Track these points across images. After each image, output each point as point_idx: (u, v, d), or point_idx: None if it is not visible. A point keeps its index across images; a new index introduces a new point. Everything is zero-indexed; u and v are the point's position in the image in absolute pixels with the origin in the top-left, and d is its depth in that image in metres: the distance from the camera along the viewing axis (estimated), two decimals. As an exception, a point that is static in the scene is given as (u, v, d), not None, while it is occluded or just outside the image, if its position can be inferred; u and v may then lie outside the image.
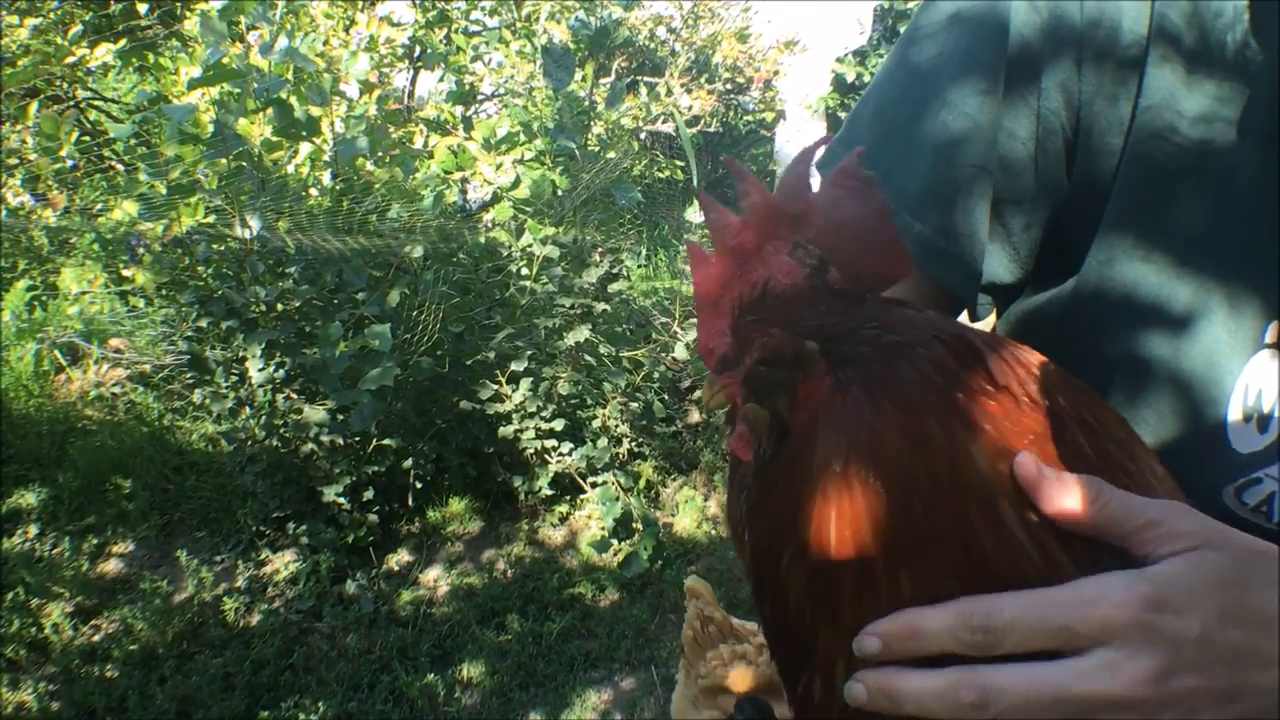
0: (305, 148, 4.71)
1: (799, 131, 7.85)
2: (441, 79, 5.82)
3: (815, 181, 0.81)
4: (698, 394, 4.96)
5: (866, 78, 8.75)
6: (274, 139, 4.45)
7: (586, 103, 5.45)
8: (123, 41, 4.98)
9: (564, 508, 4.72)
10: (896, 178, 0.98)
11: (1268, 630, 0.71)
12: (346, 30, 5.38)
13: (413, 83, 6.15)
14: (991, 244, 1.00)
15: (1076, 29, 0.95)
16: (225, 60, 4.23)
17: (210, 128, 4.25)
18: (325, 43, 4.93)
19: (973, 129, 0.96)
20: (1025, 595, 0.69)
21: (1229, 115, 0.91)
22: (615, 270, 5.01)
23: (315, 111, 4.52)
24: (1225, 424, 0.93)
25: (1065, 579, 0.70)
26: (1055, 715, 0.68)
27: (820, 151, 0.95)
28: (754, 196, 0.80)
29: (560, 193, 4.91)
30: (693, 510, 4.75)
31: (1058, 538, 0.71)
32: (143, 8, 5.00)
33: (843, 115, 8.80)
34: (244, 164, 4.27)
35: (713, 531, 4.63)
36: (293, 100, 4.49)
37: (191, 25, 4.82)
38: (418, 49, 5.82)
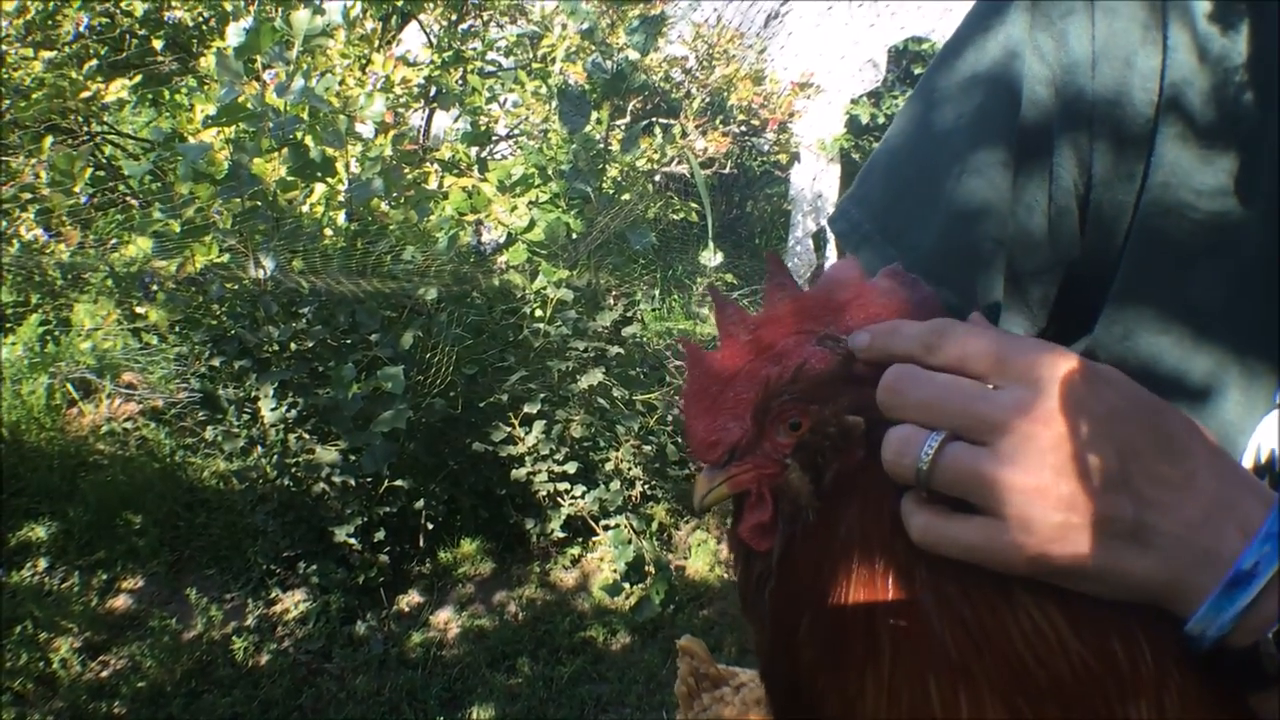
0: (320, 187, 4.79)
1: (814, 174, 7.90)
2: (457, 119, 5.89)
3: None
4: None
5: (881, 120, 8.84)
6: (289, 179, 4.53)
7: (602, 145, 5.51)
8: (138, 77, 5.08)
9: (576, 550, 4.75)
10: (910, 238, 1.01)
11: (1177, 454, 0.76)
12: (362, 70, 5.47)
13: (428, 122, 6.24)
14: (1009, 307, 1.02)
15: (1088, 97, 0.95)
16: (241, 99, 4.32)
17: (225, 166, 4.33)
18: (341, 82, 5.01)
19: (989, 199, 0.98)
20: (984, 330, 0.78)
21: (1242, 185, 0.93)
22: (629, 313, 5.04)
23: (330, 152, 4.60)
24: None
25: (1055, 654, 0.74)
26: (964, 419, 0.74)
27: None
28: (787, 290, 0.83)
29: (575, 236, 4.97)
30: (705, 553, 4.77)
31: (1063, 615, 0.75)
32: (158, 44, 5.10)
33: (856, 157, 8.89)
34: (258, 203, 4.35)
35: (725, 575, 4.65)
36: (308, 140, 4.57)
37: (207, 63, 4.91)
38: (433, 89, 5.90)
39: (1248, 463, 0.94)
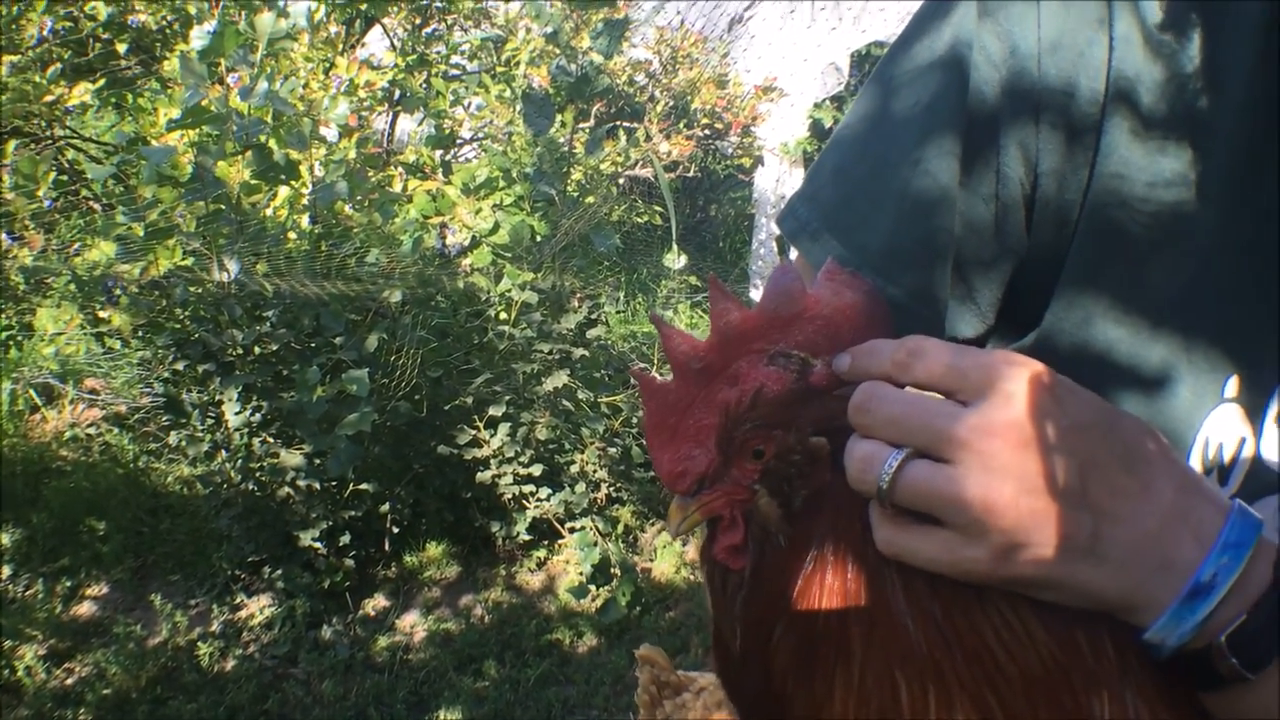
0: (283, 190, 4.78)
1: (778, 177, 7.95)
2: (421, 123, 5.90)
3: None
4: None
5: (844, 124, 8.95)
6: (253, 182, 4.52)
7: (566, 148, 5.53)
8: (101, 81, 5.05)
9: (542, 553, 4.77)
10: (860, 235, 1.01)
11: (1132, 463, 0.78)
12: (326, 73, 5.46)
13: (392, 125, 6.24)
14: (955, 303, 1.03)
15: (1035, 91, 0.97)
16: (204, 103, 4.31)
17: (189, 170, 4.32)
18: (305, 85, 5.00)
19: (938, 190, 0.99)
20: (946, 346, 0.80)
21: (1194, 178, 0.95)
22: (594, 316, 5.08)
23: (294, 155, 4.60)
24: None
25: (1024, 647, 0.77)
26: (926, 436, 0.77)
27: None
28: (733, 314, 0.85)
29: (539, 238, 4.99)
30: (671, 555, 4.81)
31: (1033, 611, 0.78)
32: (122, 48, 5.08)
33: (824, 147, 9.00)
34: (222, 207, 4.34)
35: (691, 576, 4.69)
36: (272, 144, 4.56)
37: (171, 66, 4.89)
38: (397, 92, 5.90)
39: (1196, 455, 0.96)
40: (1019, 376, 0.77)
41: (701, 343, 0.85)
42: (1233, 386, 0.95)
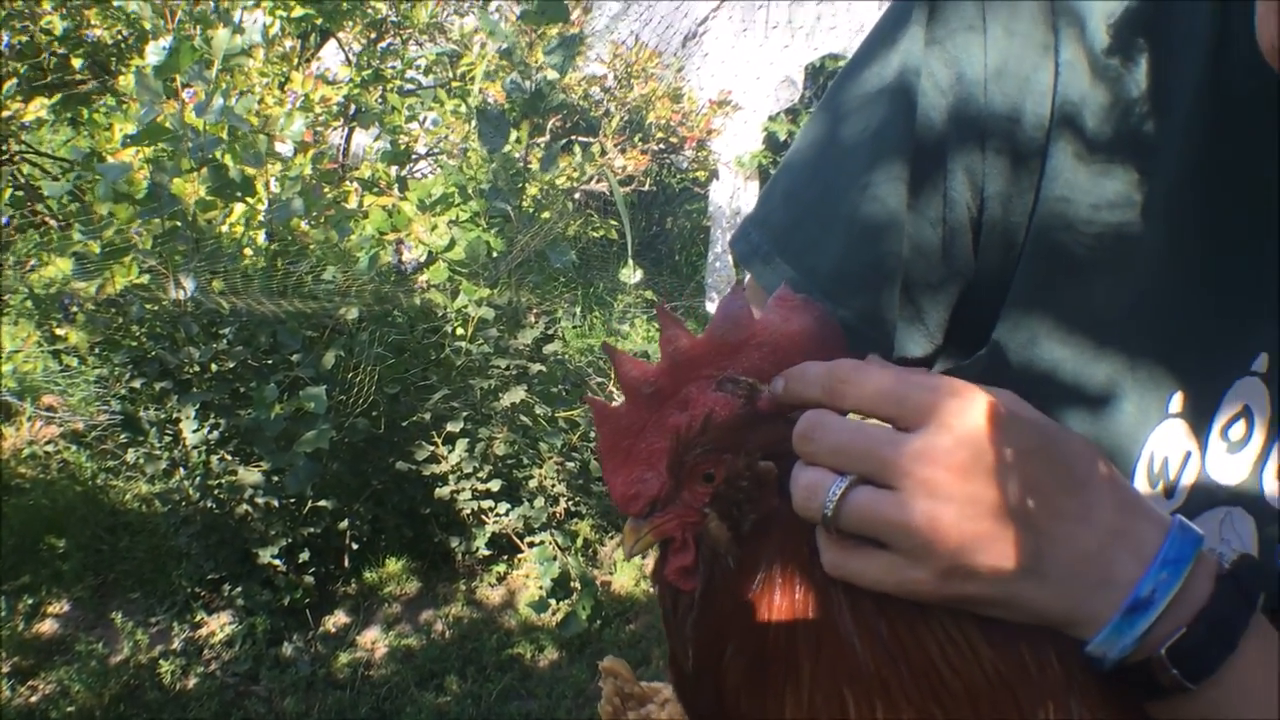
0: (239, 207, 4.82)
1: (733, 191, 8.04)
2: (377, 138, 5.94)
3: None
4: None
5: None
6: (208, 198, 4.56)
7: (521, 164, 5.59)
8: (57, 96, 5.08)
9: (501, 567, 4.83)
10: (810, 259, 1.04)
11: (1069, 486, 0.80)
12: (281, 88, 5.49)
13: (347, 140, 6.27)
14: (904, 323, 1.05)
15: (981, 116, 0.99)
16: (160, 119, 4.34)
17: (144, 187, 4.35)
18: (260, 101, 5.04)
19: (886, 214, 1.00)
20: (885, 373, 0.82)
21: (1138, 200, 0.96)
22: (550, 331, 5.14)
23: (250, 172, 4.64)
24: None
25: (968, 661, 0.80)
26: (869, 464, 0.79)
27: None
28: (682, 341, 0.86)
29: (495, 254, 5.05)
30: (630, 568, 4.87)
31: (978, 627, 0.81)
32: (78, 63, 5.11)
33: (774, 172, 9.10)
34: (178, 224, 4.37)
35: (650, 589, 4.74)
36: (227, 160, 4.60)
37: (126, 81, 4.91)
38: (353, 107, 5.94)
39: (1141, 470, 0.98)
40: (959, 405, 0.79)
41: (652, 368, 0.87)
42: (1177, 402, 0.97)
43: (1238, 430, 0.97)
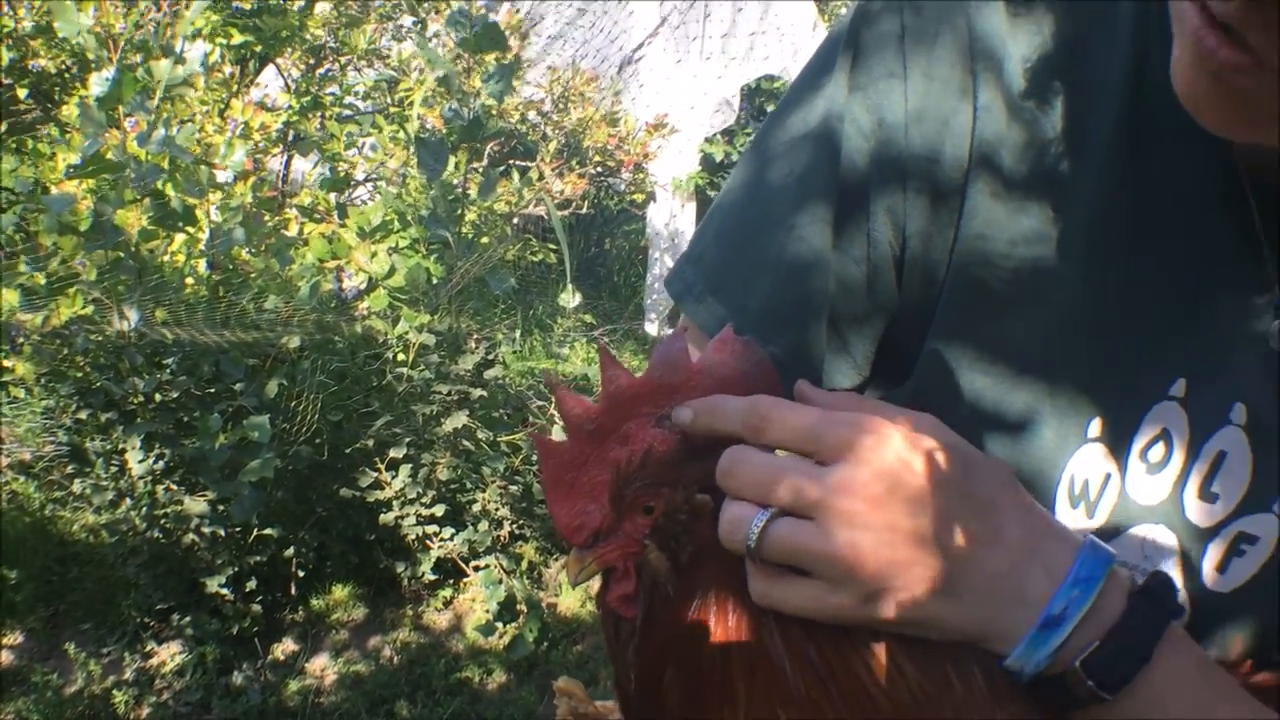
0: (179, 236, 4.86)
1: (671, 212, 8.15)
2: (316, 165, 5.98)
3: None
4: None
5: (734, 156, 9.16)
6: (150, 229, 4.61)
7: (460, 190, 5.65)
8: (2, 126, 5.09)
9: (448, 592, 4.91)
10: (741, 298, 1.09)
11: (985, 511, 0.86)
12: (221, 115, 5.55)
13: (286, 166, 6.32)
14: (831, 356, 1.10)
15: (902, 159, 1.03)
16: (103, 150, 4.40)
17: (88, 218, 4.40)
18: (200, 129, 5.10)
19: (812, 254, 1.05)
20: (803, 410, 0.88)
21: (1054, 235, 1.00)
22: (491, 356, 5.20)
23: (191, 202, 4.69)
24: (1053, 514, 1.01)
25: (895, 680, 0.85)
26: (789, 497, 0.84)
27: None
28: (622, 380, 0.91)
29: (435, 281, 5.12)
30: (576, 590, 4.97)
31: (902, 647, 0.86)
32: (22, 92, 5.12)
33: (712, 194, 9.17)
34: (121, 255, 4.42)
35: (597, 610, 4.77)
36: (169, 190, 4.66)
37: (70, 111, 4.95)
38: (291, 133, 5.99)
39: (1063, 492, 1.02)
40: (874, 440, 0.84)
41: (594, 406, 0.91)
42: (1096, 427, 1.01)
43: (1157, 452, 1.01)
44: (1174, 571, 1.00)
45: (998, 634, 0.85)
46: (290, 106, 5.93)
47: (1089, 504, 1.02)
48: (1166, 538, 1.00)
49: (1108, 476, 1.02)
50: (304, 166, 6.48)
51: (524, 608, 4.50)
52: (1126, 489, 1.01)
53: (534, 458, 5.11)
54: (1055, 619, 0.83)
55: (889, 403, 1.06)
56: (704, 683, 0.87)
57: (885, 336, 1.11)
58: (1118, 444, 1.01)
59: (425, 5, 6.60)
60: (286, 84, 6.27)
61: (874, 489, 0.83)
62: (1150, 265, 0.99)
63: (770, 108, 9.69)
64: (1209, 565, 0.99)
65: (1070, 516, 1.02)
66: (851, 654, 0.86)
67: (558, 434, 5.05)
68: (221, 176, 5.05)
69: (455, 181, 5.56)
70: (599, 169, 7.18)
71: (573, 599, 4.95)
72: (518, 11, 6.92)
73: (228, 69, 5.86)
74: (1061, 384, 1.02)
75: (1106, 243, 0.99)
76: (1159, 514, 1.00)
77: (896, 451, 0.85)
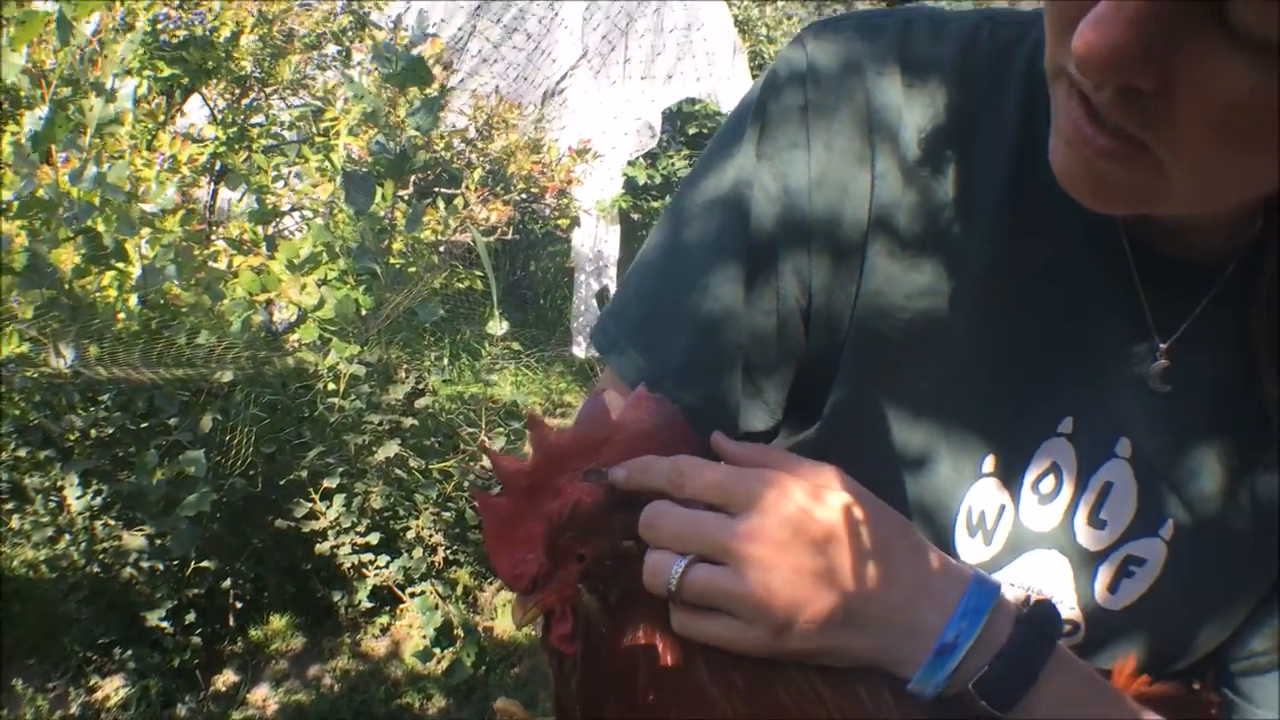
0: (109, 272, 4.92)
1: (595, 235, 8.28)
2: (243, 197, 6.04)
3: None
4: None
5: (658, 179, 9.35)
6: (83, 265, 4.69)
7: (387, 221, 5.76)
8: (-64, 163, 5.13)
9: (385, 619, 5.01)
10: (661, 352, 1.14)
11: (886, 557, 0.96)
12: (149, 148, 5.61)
13: (213, 197, 6.40)
14: (747, 401, 1.16)
15: (806, 221, 1.10)
16: (37, 190, 4.48)
17: (23, 257, 4.48)
18: (130, 164, 5.15)
19: (724, 311, 1.12)
20: (716, 467, 0.99)
21: (946, 289, 1.08)
22: (421, 386, 5.31)
23: (123, 239, 4.77)
24: (953, 543, 1.12)
25: (813, 703, 0.95)
26: (703, 545, 0.95)
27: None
28: (550, 439, 1.00)
29: (365, 312, 5.22)
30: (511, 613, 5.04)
31: (819, 674, 0.95)
32: (-42, 129, 5.17)
33: (636, 216, 9.37)
34: (56, 293, 4.50)
35: (533, 633, 4.88)
36: (100, 227, 4.73)
37: (3, 150, 4.98)
38: (218, 164, 6.07)
39: (961, 523, 1.12)
40: (777, 493, 0.95)
41: (527, 464, 0.99)
42: (990, 463, 1.10)
43: (1047, 484, 1.09)
44: (1068, 592, 1.10)
45: (899, 661, 0.94)
46: (216, 138, 6.00)
47: (986, 532, 1.11)
48: (1059, 562, 1.10)
49: (1002, 507, 1.11)
50: (231, 196, 6.53)
51: (460, 632, 4.59)
52: (1020, 518, 1.10)
53: (465, 484, 5.23)
54: (948, 647, 0.92)
55: (801, 447, 1.18)
56: (639, 712, 0.96)
57: (796, 382, 1.18)
58: (1010, 477, 1.10)
59: (349, 34, 6.71)
60: (212, 114, 6.33)
61: (779, 535, 0.93)
62: (1037, 316, 1.07)
63: (691, 129, 9.96)
64: (1100, 586, 1.09)
65: (969, 544, 1.12)
66: (773, 680, 0.95)
67: (487, 460, 5.20)
68: (149, 207, 5.11)
69: (382, 213, 5.69)
70: (523, 195, 7.28)
71: (508, 622, 5.02)
72: (439, 36, 7.01)
73: (154, 99, 5.92)
74: (956, 425, 1.11)
75: (996, 296, 1.08)
76: (1051, 540, 1.10)
77: (797, 502, 0.95)
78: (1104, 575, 1.09)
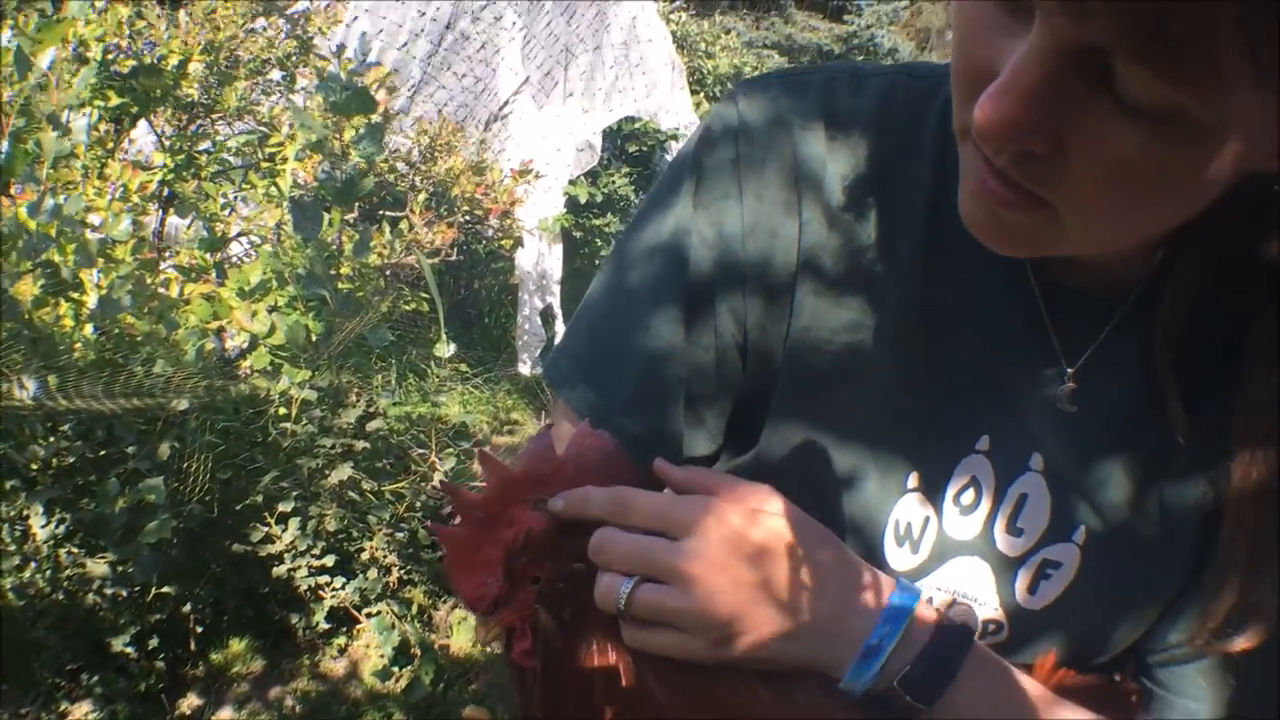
0: (64, 302, 5.02)
1: (539, 254, 8.42)
2: (190, 224, 6.17)
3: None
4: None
5: (599, 197, 9.53)
6: (41, 297, 4.80)
7: (335, 246, 5.87)
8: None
9: (342, 640, 5.10)
10: (609, 387, 1.21)
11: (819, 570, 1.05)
12: (100, 176, 5.70)
13: (161, 223, 6.47)
14: (690, 430, 1.22)
15: (740, 263, 1.17)
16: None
17: (-16, 292, 4.60)
18: (84, 195, 5.24)
19: (667, 348, 1.18)
20: (655, 496, 1.07)
21: (870, 324, 1.16)
22: (371, 409, 5.42)
23: (80, 271, 4.88)
24: (883, 553, 1.18)
25: (751, 704, 1.03)
26: (648, 567, 1.03)
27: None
28: (503, 472, 1.07)
29: (315, 337, 5.32)
30: (466, 630, 5.21)
31: (758, 678, 1.03)
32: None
33: (577, 235, 9.54)
34: (17, 325, 4.61)
35: (488, 649, 5.02)
36: (56, 258, 4.85)
37: (-38, 184, 5.06)
38: (166, 190, 6.17)
39: (890, 534, 1.18)
40: (713, 518, 1.03)
41: (481, 496, 1.05)
42: (914, 480, 1.17)
43: (968, 497, 1.16)
44: (990, 595, 1.17)
45: (830, 663, 1.03)
46: (165, 165, 6.11)
47: (913, 542, 1.18)
48: (981, 567, 1.17)
49: (927, 519, 1.18)
50: (178, 223, 6.61)
51: (418, 651, 4.73)
52: (944, 528, 1.18)
53: (418, 505, 5.33)
54: (873, 649, 1.01)
55: (740, 469, 1.24)
56: (596, 715, 1.04)
57: (734, 410, 1.24)
58: (933, 492, 1.17)
59: (293, 59, 6.83)
60: (160, 141, 6.41)
61: (716, 555, 1.02)
62: (954, 346, 1.15)
63: (632, 148, 10.14)
64: (1020, 588, 1.16)
65: (898, 554, 1.18)
66: (715, 685, 1.03)
67: (440, 479, 5.35)
68: (94, 219, 5.20)
69: (330, 239, 5.79)
70: (468, 217, 7.39)
71: (464, 639, 5.16)
72: (381, 64, 7.11)
73: (103, 127, 5.99)
74: (882, 446, 1.18)
75: (916, 329, 1.15)
76: (973, 548, 1.17)
77: (732, 524, 1.03)
78: (1023, 578, 1.16)
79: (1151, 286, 1.07)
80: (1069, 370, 1.11)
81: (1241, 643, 1.03)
